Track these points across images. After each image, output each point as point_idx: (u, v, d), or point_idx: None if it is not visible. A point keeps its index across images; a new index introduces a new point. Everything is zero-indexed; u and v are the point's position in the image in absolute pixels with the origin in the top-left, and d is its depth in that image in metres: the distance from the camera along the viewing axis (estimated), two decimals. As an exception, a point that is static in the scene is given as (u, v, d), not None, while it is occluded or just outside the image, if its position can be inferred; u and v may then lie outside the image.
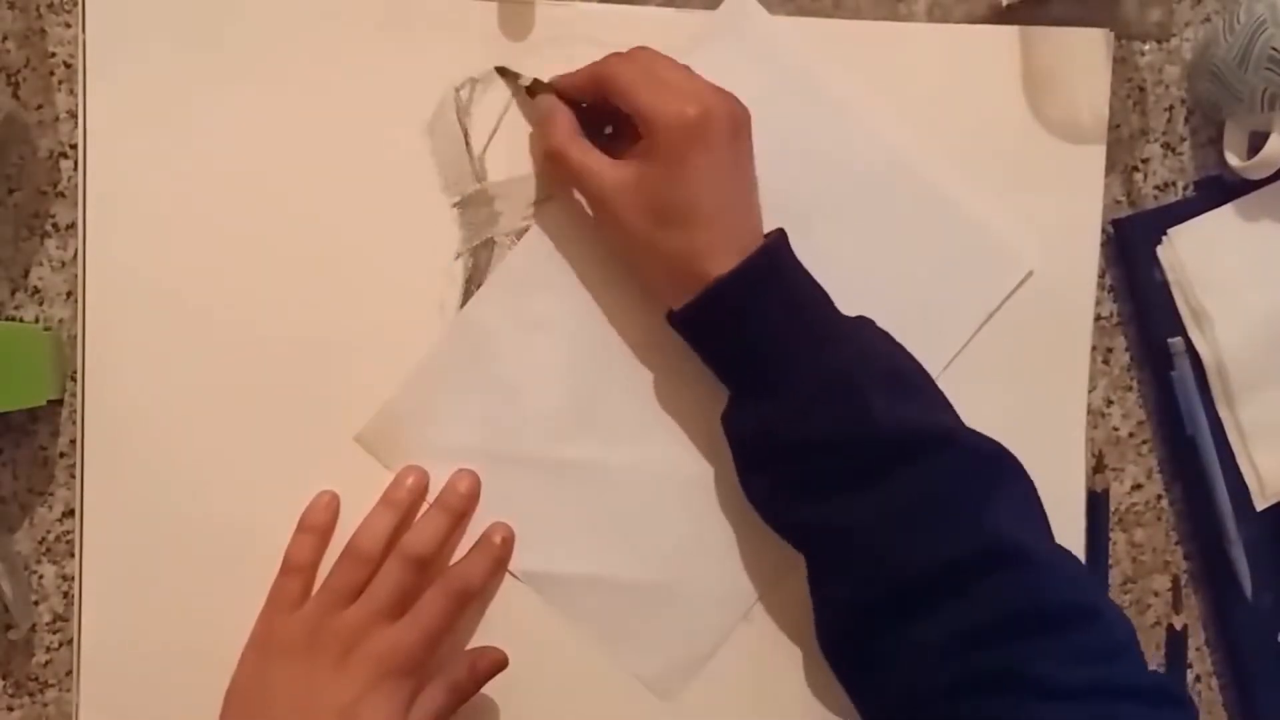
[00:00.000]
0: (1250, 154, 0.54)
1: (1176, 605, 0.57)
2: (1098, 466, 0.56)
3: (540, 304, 0.51)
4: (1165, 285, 0.55)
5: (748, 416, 0.47)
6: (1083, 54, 0.54)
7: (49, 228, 0.49)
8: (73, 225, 0.49)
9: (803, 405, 0.44)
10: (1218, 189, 0.56)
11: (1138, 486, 0.57)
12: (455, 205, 0.51)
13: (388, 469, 0.50)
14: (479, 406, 0.51)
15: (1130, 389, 0.56)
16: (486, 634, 0.51)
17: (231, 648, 0.47)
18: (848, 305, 0.47)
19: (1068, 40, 0.54)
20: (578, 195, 0.50)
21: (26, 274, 0.49)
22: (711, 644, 0.52)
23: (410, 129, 0.50)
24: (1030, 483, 0.45)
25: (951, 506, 0.43)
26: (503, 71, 0.50)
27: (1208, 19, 0.56)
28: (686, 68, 0.47)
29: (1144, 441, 0.57)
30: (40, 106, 0.49)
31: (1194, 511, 0.56)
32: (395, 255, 0.50)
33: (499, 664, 0.48)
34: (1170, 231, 0.55)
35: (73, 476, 0.49)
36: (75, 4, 0.48)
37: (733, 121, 0.45)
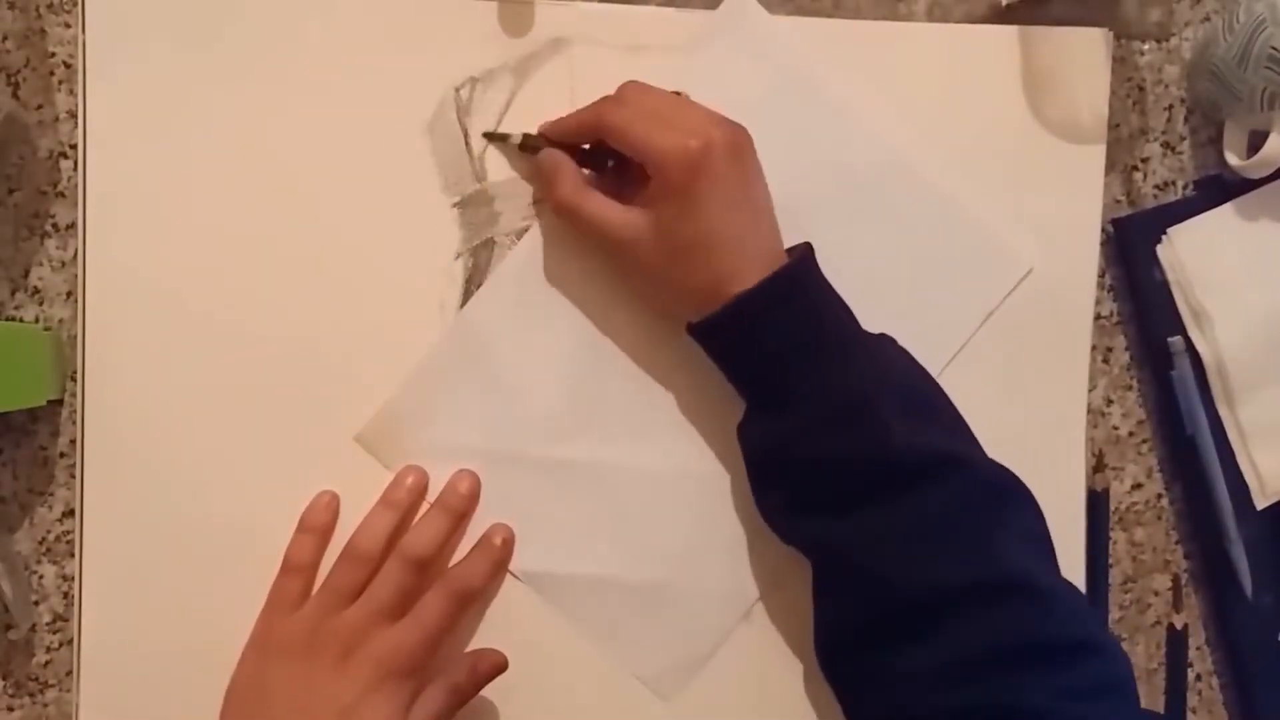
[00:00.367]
0: (1250, 153, 0.54)
1: (1176, 605, 0.57)
2: (1098, 466, 0.56)
3: (541, 304, 0.51)
4: (1165, 285, 0.55)
5: (765, 430, 0.47)
6: (1083, 54, 0.54)
7: (49, 228, 0.49)
8: (73, 225, 0.49)
9: (822, 423, 0.44)
10: (1217, 188, 0.56)
11: (1138, 486, 0.57)
12: (455, 205, 0.51)
13: (387, 469, 0.50)
14: (479, 406, 0.51)
15: (1130, 389, 0.56)
16: (487, 634, 0.51)
17: (231, 648, 0.47)
18: (848, 304, 0.47)
19: (1068, 40, 0.54)
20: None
21: (26, 274, 0.49)
22: (711, 644, 0.52)
23: (410, 129, 0.50)
24: (1039, 512, 0.45)
25: (961, 533, 0.43)
26: (490, 136, 0.50)
27: (1207, 18, 0.56)
28: (678, 96, 0.47)
29: (1144, 441, 0.57)
30: (40, 106, 0.49)
31: (1194, 511, 0.56)
32: (395, 255, 0.50)
33: (499, 666, 0.48)
34: (1170, 231, 0.55)
35: (73, 476, 0.49)
36: (75, 4, 0.48)
37: (735, 147, 0.45)
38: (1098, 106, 0.54)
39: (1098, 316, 0.55)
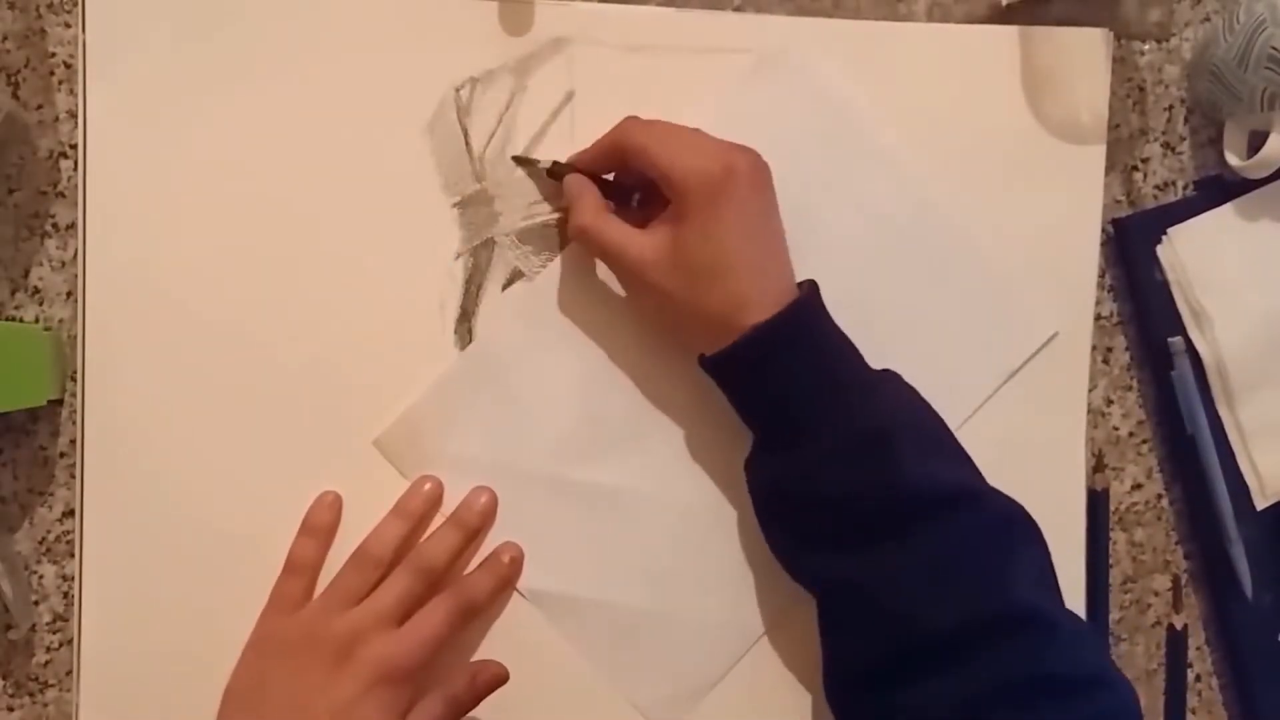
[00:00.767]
0: (1250, 154, 0.54)
1: (1176, 605, 0.57)
2: (1098, 466, 0.56)
3: (565, 327, 0.51)
4: (1165, 285, 0.55)
5: (774, 464, 0.47)
6: (1083, 54, 0.54)
7: (49, 228, 0.49)
8: (73, 225, 0.49)
9: (832, 458, 0.44)
10: (1217, 189, 0.56)
11: (1138, 486, 0.57)
12: (455, 205, 0.51)
13: (404, 476, 0.50)
14: (498, 421, 0.51)
15: (1130, 389, 0.56)
16: (488, 648, 0.50)
17: (231, 648, 0.47)
18: (867, 350, 0.47)
19: (1068, 40, 0.54)
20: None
21: (26, 274, 0.49)
22: (712, 677, 0.52)
23: (410, 129, 0.50)
24: (1045, 545, 0.45)
25: (974, 567, 0.43)
26: (520, 160, 0.50)
27: (1207, 19, 0.56)
28: (699, 131, 0.47)
29: (1144, 441, 0.57)
30: (40, 106, 0.49)
31: (1194, 511, 0.56)
32: (395, 255, 0.50)
33: (499, 679, 0.48)
34: (1170, 231, 0.55)
35: (73, 476, 0.49)
36: (75, 4, 0.48)
37: (757, 174, 0.46)
38: (1098, 107, 0.54)
39: (1098, 316, 0.55)
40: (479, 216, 0.51)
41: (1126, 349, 0.56)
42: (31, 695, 0.50)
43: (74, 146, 0.49)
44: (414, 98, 0.50)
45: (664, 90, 0.51)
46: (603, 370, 0.51)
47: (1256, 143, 0.54)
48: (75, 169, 0.49)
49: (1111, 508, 0.56)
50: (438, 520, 0.50)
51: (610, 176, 0.49)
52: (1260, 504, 0.56)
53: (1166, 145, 0.56)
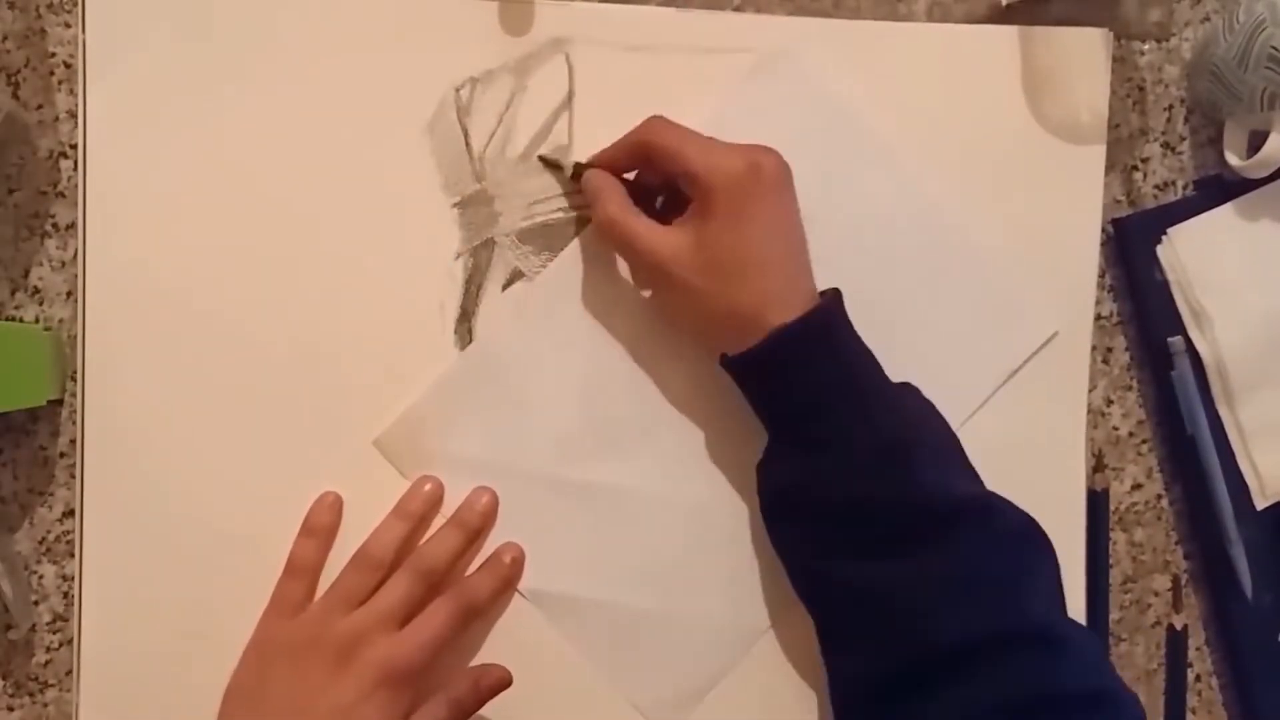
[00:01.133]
0: (1250, 153, 0.54)
1: (1176, 605, 0.57)
2: (1098, 466, 0.56)
3: (568, 325, 0.51)
4: (1165, 285, 0.55)
5: (790, 468, 0.47)
6: (1082, 54, 0.54)
7: (49, 228, 0.49)
8: (73, 225, 0.49)
9: (851, 464, 0.44)
10: (1217, 188, 0.56)
11: (1138, 486, 0.57)
12: (455, 205, 0.51)
13: (404, 476, 0.50)
14: (499, 421, 0.50)
15: (1130, 389, 0.56)
16: (489, 648, 0.50)
17: (231, 648, 0.47)
18: (873, 351, 0.47)
19: (1067, 40, 0.54)
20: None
21: (26, 274, 0.49)
22: (711, 678, 0.52)
23: (410, 129, 0.50)
24: (1055, 558, 0.45)
25: (986, 582, 0.43)
26: (545, 161, 0.50)
27: (1207, 19, 0.56)
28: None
29: (1144, 441, 0.57)
30: (40, 106, 0.49)
31: (1194, 511, 0.56)
32: (395, 255, 0.50)
33: (503, 682, 0.48)
34: (1170, 231, 0.55)
35: (73, 476, 0.49)
36: (75, 4, 0.48)
37: (781, 173, 0.46)
38: (1098, 107, 0.54)
39: (1098, 316, 0.55)
40: (479, 216, 0.51)
41: (1126, 349, 0.56)
42: (31, 695, 0.50)
43: (74, 146, 0.49)
44: (414, 98, 0.50)
45: (664, 90, 0.51)
46: (603, 370, 0.51)
47: (1256, 143, 0.54)
48: (75, 169, 0.49)
49: (1111, 508, 0.56)
50: (438, 521, 0.50)
51: (631, 176, 0.49)
52: (1260, 504, 0.56)
53: (1166, 145, 0.56)
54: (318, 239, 0.50)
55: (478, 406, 0.50)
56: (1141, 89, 0.56)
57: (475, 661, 0.50)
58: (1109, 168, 0.55)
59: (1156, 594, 0.57)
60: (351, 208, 0.50)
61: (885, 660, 0.43)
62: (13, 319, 0.49)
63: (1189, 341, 0.55)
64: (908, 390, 0.47)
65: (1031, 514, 0.45)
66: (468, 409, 0.50)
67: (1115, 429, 0.56)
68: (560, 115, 0.51)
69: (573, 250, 0.51)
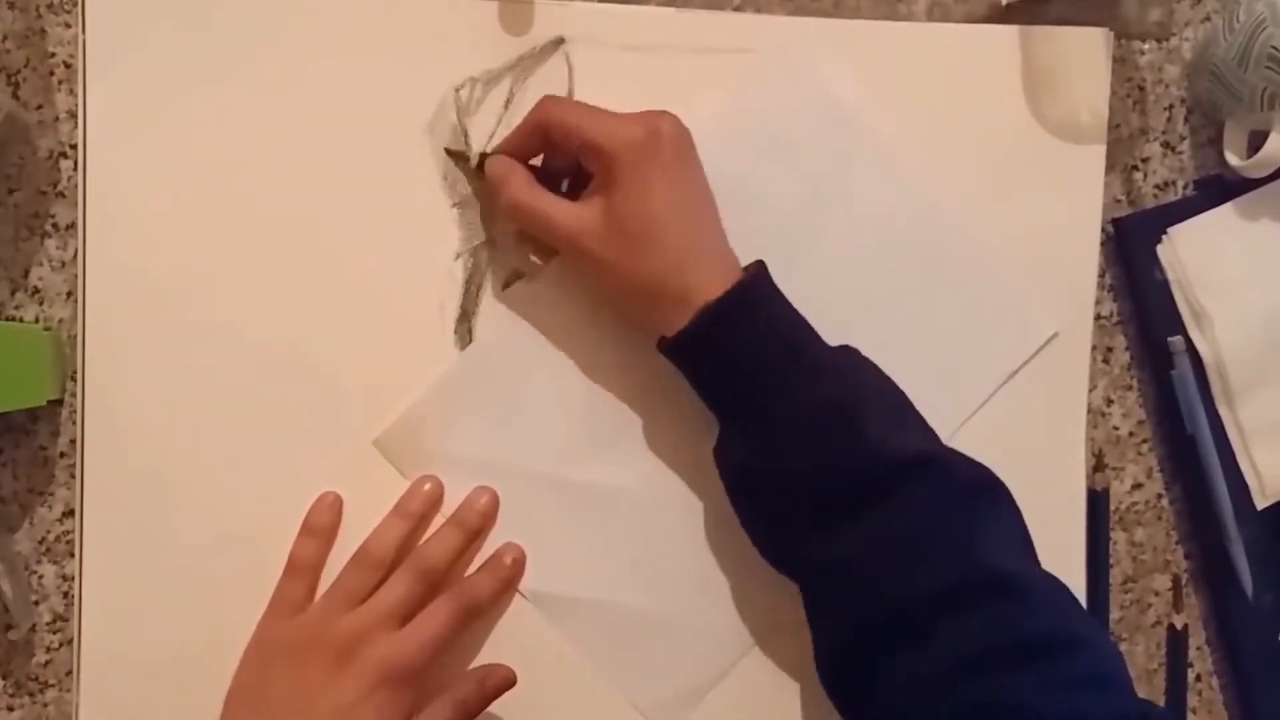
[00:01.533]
0: (1250, 153, 0.54)
1: (1176, 605, 0.57)
2: (1098, 466, 0.56)
3: (569, 324, 0.51)
4: (1165, 284, 0.56)
5: (738, 446, 0.47)
6: (1082, 54, 0.54)
7: (49, 228, 0.49)
8: (73, 225, 0.49)
9: (794, 432, 0.44)
10: (1217, 188, 0.56)
11: (1138, 486, 0.57)
12: (455, 205, 0.51)
13: (403, 476, 0.50)
14: (500, 421, 0.50)
15: (1130, 388, 0.56)
16: (490, 648, 0.50)
17: (231, 648, 0.47)
18: (867, 350, 0.47)
19: (1068, 40, 0.54)
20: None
21: (26, 274, 0.49)
22: (711, 678, 0.51)
23: (410, 129, 0.50)
24: (1016, 507, 0.45)
25: (943, 536, 0.42)
26: (450, 153, 0.50)
27: (1207, 18, 0.56)
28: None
29: (1144, 441, 0.57)
30: (40, 106, 0.49)
31: (1194, 511, 0.56)
32: (395, 255, 0.50)
33: (508, 682, 0.48)
34: (1170, 231, 0.55)
35: (73, 476, 0.49)
36: (75, 4, 0.48)
37: (680, 136, 0.46)
38: (1098, 106, 0.54)
39: (1098, 316, 0.55)
40: (479, 216, 0.51)
41: (1126, 349, 0.56)
42: (31, 695, 0.50)
43: (74, 146, 0.49)
44: (414, 98, 0.50)
45: (664, 90, 0.51)
46: (603, 370, 0.51)
47: (1256, 142, 0.54)
48: (75, 169, 0.49)
49: (1111, 508, 0.56)
50: (438, 520, 0.50)
51: (537, 163, 0.49)
52: (1260, 504, 0.56)
53: (1166, 145, 0.56)
54: (317, 239, 0.50)
55: (478, 406, 0.50)
56: (1141, 89, 0.56)
57: (476, 662, 0.50)
58: (1109, 168, 0.55)
59: (1156, 594, 0.57)
60: (351, 208, 0.50)
61: (850, 622, 0.43)
62: (13, 319, 0.49)
63: (1189, 341, 0.55)
64: (847, 352, 0.47)
65: (1031, 514, 0.45)
66: (468, 409, 0.50)
67: (1115, 429, 0.56)
68: (560, 115, 0.51)
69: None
